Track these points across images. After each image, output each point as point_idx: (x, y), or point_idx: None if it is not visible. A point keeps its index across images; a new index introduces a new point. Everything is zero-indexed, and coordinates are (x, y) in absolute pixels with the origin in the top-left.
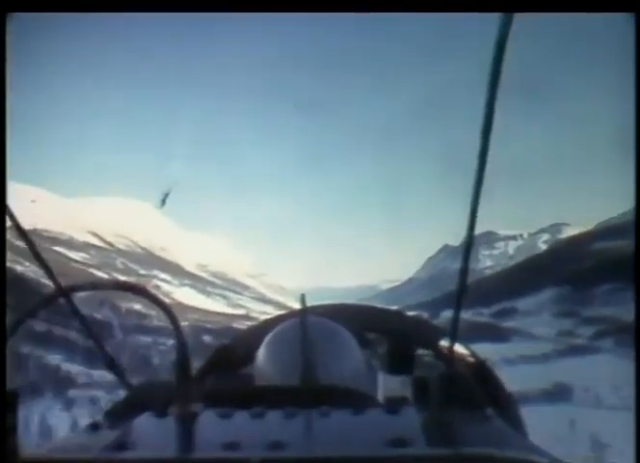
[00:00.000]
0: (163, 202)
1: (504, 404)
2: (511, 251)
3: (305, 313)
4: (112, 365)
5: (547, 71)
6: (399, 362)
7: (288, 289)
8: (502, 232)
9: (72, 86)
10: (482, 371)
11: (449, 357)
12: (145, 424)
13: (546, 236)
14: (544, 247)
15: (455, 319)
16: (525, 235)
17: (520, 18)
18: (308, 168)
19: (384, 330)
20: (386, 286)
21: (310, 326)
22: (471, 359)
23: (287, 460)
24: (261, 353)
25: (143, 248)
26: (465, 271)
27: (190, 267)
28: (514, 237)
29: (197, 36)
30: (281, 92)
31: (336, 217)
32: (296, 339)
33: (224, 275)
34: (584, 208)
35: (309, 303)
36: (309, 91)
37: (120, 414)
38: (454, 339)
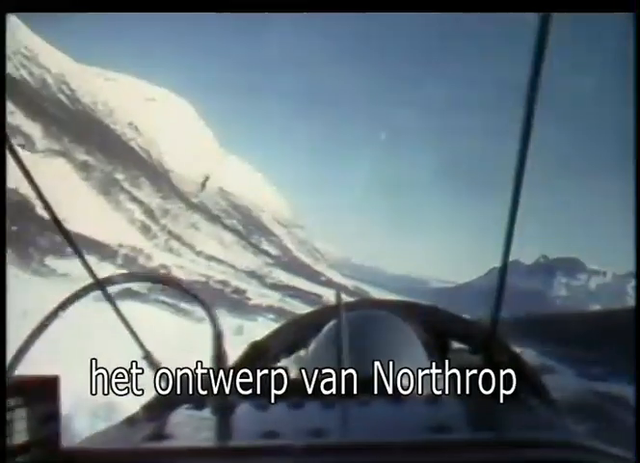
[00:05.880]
0: (203, 185)
1: (542, 396)
2: (593, 287)
3: (341, 311)
4: (149, 358)
5: (547, 71)
6: (434, 354)
7: (324, 254)
8: (588, 265)
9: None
10: (518, 364)
11: (487, 350)
12: (182, 417)
13: (633, 282)
14: (631, 292)
15: (495, 311)
16: (610, 274)
17: (519, 19)
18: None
19: (418, 322)
20: (436, 285)
21: (365, 318)
22: (507, 352)
23: (330, 446)
24: (314, 348)
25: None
26: (504, 268)
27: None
28: (597, 273)
29: (195, 35)
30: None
31: (400, 195)
32: (347, 332)
33: (247, 211)
34: None
35: (351, 281)
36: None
37: (157, 407)
38: (493, 332)
